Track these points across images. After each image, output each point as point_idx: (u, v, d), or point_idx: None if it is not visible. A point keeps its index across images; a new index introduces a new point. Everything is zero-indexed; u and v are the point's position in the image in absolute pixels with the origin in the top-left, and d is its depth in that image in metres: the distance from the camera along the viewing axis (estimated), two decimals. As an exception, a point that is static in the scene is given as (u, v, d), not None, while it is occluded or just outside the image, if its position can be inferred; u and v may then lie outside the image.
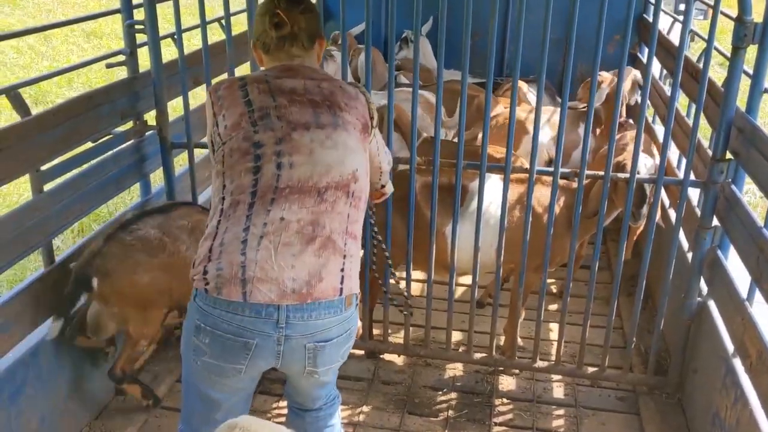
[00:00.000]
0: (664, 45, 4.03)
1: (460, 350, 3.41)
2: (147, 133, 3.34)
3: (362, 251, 2.48)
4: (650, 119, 4.50)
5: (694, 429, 2.94)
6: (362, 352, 3.48)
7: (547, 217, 2.98)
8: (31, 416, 2.62)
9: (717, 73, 6.25)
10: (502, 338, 3.46)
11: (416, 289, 3.98)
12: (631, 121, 4.33)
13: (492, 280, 2.92)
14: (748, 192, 5.19)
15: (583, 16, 2.69)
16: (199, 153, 3.48)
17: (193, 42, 6.09)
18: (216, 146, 2.00)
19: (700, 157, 2.97)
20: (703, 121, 2.85)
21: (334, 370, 2.08)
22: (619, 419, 3.09)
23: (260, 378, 2.11)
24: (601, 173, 2.89)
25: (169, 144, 3.26)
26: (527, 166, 2.97)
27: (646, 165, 3.07)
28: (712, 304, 2.93)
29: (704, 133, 3.79)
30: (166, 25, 3.42)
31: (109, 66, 3.25)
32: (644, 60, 4.83)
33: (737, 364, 2.58)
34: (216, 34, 3.71)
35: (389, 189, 2.56)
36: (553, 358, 3.28)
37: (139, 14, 3.19)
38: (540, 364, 3.27)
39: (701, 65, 2.78)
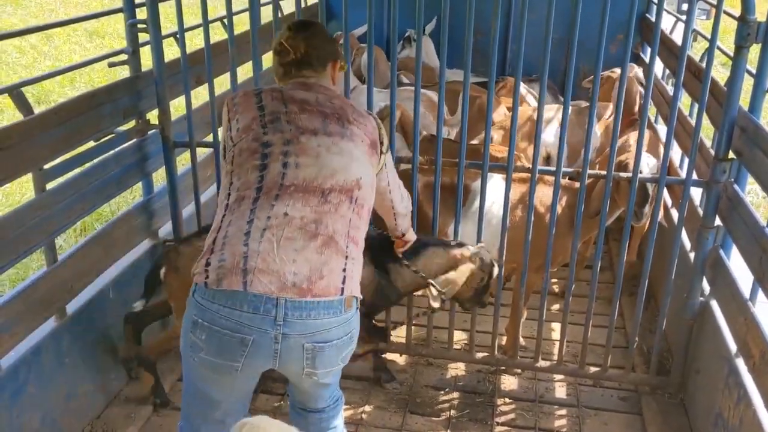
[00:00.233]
0: (666, 44, 4.02)
1: (462, 350, 3.41)
2: (149, 132, 3.34)
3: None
4: (653, 119, 4.49)
5: (697, 429, 2.93)
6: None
7: (549, 216, 2.97)
8: (32, 415, 2.62)
9: (719, 73, 6.24)
10: (504, 338, 3.46)
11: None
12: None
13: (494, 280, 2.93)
14: (751, 192, 5.18)
15: (586, 16, 2.69)
16: (202, 152, 3.48)
17: (195, 41, 6.10)
18: (227, 149, 2.06)
19: (702, 156, 2.96)
20: (705, 121, 2.85)
21: (334, 372, 2.08)
22: (621, 419, 3.09)
23: (260, 378, 2.11)
24: (603, 173, 2.89)
25: (171, 143, 3.26)
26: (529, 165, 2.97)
27: (649, 164, 3.07)
28: (714, 304, 2.92)
29: (707, 133, 3.78)
30: (168, 25, 3.41)
31: (111, 65, 3.25)
32: (647, 60, 4.82)
33: (740, 364, 2.57)
34: (218, 34, 3.70)
35: (411, 237, 2.64)
36: (555, 357, 3.27)
37: (141, 13, 3.19)
38: (542, 363, 3.26)
39: (704, 65, 2.78)
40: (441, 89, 2.87)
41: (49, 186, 2.72)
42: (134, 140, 3.27)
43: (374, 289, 2.80)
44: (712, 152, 2.81)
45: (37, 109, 2.66)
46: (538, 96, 4.42)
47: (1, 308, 2.45)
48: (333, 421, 2.23)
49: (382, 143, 2.18)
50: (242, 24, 4.83)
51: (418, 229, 3.07)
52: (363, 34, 5.48)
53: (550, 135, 4.09)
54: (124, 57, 3.25)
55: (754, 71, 2.64)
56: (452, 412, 3.12)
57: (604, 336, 3.18)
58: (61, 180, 2.82)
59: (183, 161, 4.24)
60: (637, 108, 4.02)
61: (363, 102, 3.09)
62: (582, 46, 2.84)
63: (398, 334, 3.52)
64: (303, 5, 3.03)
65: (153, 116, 3.33)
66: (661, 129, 4.03)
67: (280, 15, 4.18)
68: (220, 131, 2.18)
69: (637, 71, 4.25)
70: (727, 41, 2.86)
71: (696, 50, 5.31)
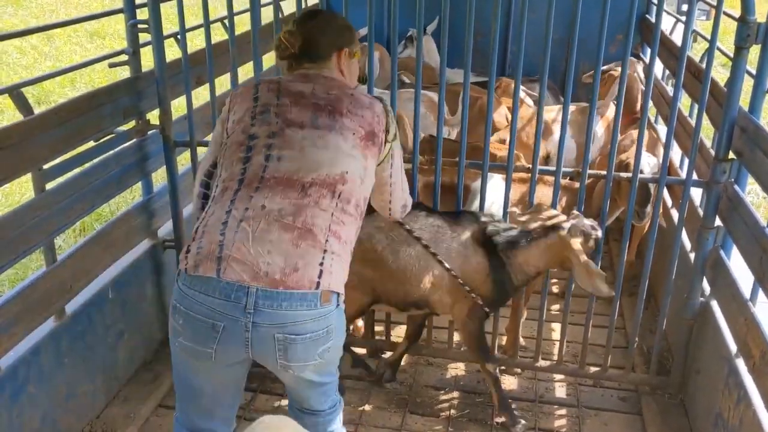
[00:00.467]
0: (666, 45, 4.02)
1: (462, 349, 3.41)
2: (149, 132, 3.34)
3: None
4: (653, 119, 4.49)
5: (697, 429, 2.93)
6: (364, 351, 3.48)
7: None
8: (32, 415, 2.63)
9: (719, 74, 6.24)
10: (504, 338, 3.46)
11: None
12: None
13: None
14: (751, 192, 5.19)
15: (586, 16, 2.69)
16: (202, 152, 3.47)
17: (196, 42, 6.10)
18: (223, 141, 2.11)
19: (702, 157, 2.96)
20: (705, 121, 2.85)
21: (316, 369, 2.02)
22: (621, 419, 3.08)
23: (260, 378, 2.10)
24: (603, 173, 2.89)
25: (171, 143, 3.26)
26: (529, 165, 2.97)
27: (650, 164, 3.07)
28: (714, 305, 2.92)
29: (707, 133, 3.78)
30: (168, 25, 3.42)
31: (112, 65, 3.25)
32: (647, 60, 4.82)
33: (740, 364, 2.57)
34: (219, 34, 3.71)
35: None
36: (555, 357, 3.27)
37: (142, 14, 3.19)
38: (542, 363, 3.26)
39: (704, 65, 2.78)
40: (441, 89, 2.87)
41: (49, 186, 2.72)
42: (134, 140, 3.28)
43: (491, 283, 2.76)
44: (712, 152, 2.81)
45: (38, 110, 2.66)
46: (535, 98, 4.45)
47: (0, 308, 2.44)
48: (329, 426, 2.21)
49: (387, 131, 2.14)
50: (243, 24, 4.83)
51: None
52: (365, 35, 5.48)
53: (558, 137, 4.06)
54: (124, 57, 3.26)
55: (754, 72, 2.64)
56: (452, 411, 3.12)
57: (604, 336, 3.18)
58: (60, 180, 2.82)
59: (183, 161, 4.24)
60: (638, 106, 4.01)
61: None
62: (582, 46, 2.85)
63: (398, 334, 3.52)
64: (303, 5, 3.03)
65: (153, 116, 3.33)
66: (661, 129, 4.03)
67: (280, 15, 4.18)
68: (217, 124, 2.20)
69: (638, 68, 4.25)
70: (727, 42, 2.86)
71: (696, 51, 5.31)
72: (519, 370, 3.38)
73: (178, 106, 3.38)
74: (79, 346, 2.91)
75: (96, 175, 2.99)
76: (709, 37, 2.69)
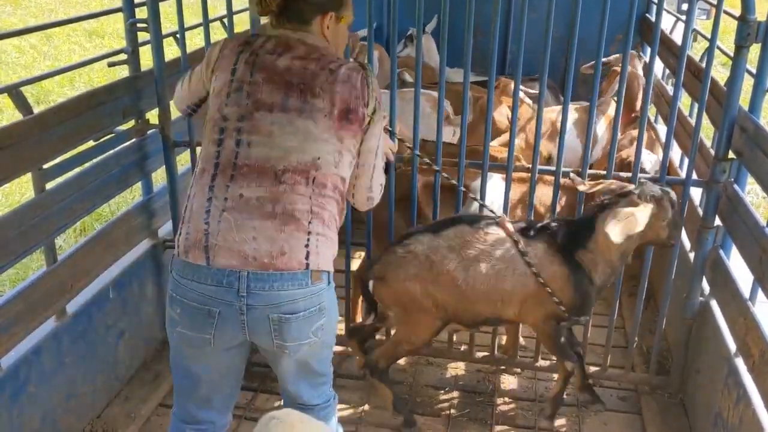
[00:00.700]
0: (666, 44, 4.02)
1: (462, 349, 3.41)
2: (149, 132, 3.34)
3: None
4: (653, 119, 4.49)
5: (696, 429, 2.93)
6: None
7: (549, 216, 2.97)
8: (32, 415, 2.63)
9: (719, 73, 6.24)
10: (504, 337, 3.46)
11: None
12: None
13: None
14: (751, 192, 5.18)
15: (586, 16, 2.69)
16: (201, 152, 3.47)
17: (195, 41, 6.09)
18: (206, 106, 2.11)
19: (702, 156, 2.96)
20: (705, 121, 2.85)
21: (310, 350, 2.04)
22: (621, 419, 3.09)
23: (244, 357, 2.14)
24: (603, 172, 2.89)
25: (171, 142, 3.26)
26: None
27: (650, 161, 3.07)
28: (714, 304, 2.92)
29: (707, 133, 3.78)
30: (168, 24, 3.41)
31: (111, 65, 3.24)
32: (647, 59, 4.82)
33: (740, 364, 2.57)
34: (218, 33, 3.69)
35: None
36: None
37: (141, 13, 3.19)
38: (542, 363, 3.26)
39: (704, 65, 2.78)
40: (441, 89, 2.87)
41: (49, 186, 2.72)
42: (134, 140, 3.27)
43: (572, 288, 2.68)
44: (712, 152, 2.81)
45: (37, 109, 2.65)
46: (533, 97, 4.45)
47: (1, 308, 2.44)
48: (326, 422, 2.22)
49: (367, 105, 2.01)
50: (242, 23, 4.83)
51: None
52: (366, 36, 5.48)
53: (570, 138, 4.04)
54: (123, 57, 3.25)
55: (754, 71, 2.64)
56: (452, 411, 3.13)
57: (604, 336, 3.18)
58: (60, 180, 2.82)
59: (183, 161, 4.24)
60: (639, 104, 4.01)
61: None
62: (582, 45, 2.85)
63: (398, 334, 3.52)
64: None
65: (153, 116, 3.33)
66: (661, 129, 4.03)
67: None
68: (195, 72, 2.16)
69: (638, 65, 4.24)
70: (727, 41, 2.86)
71: (696, 50, 5.31)
72: (519, 370, 3.38)
73: (178, 106, 3.36)
74: (80, 346, 2.90)
75: (96, 175, 2.99)
76: (709, 36, 2.69)
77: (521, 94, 4.43)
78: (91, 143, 2.99)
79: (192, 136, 3.20)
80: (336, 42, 2.11)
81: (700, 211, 2.95)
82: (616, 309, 3.08)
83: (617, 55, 4.39)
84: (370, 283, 2.86)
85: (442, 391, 3.26)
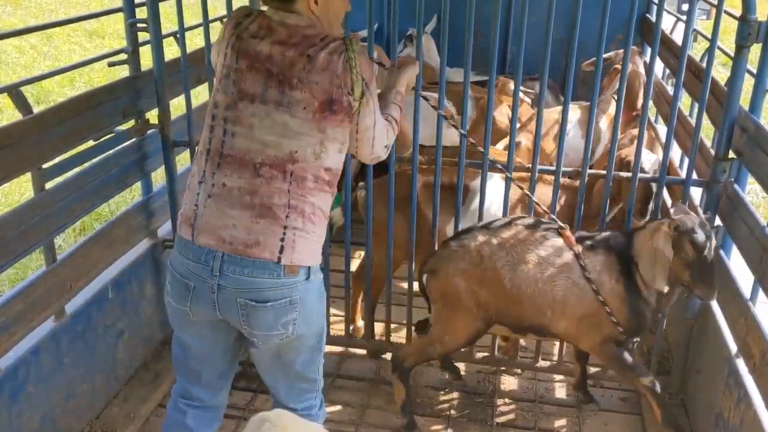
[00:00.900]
0: (666, 44, 4.02)
1: (462, 350, 3.40)
2: (148, 132, 3.33)
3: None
4: (653, 119, 4.48)
5: (697, 430, 2.93)
6: (364, 351, 3.48)
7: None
8: (31, 415, 2.62)
9: (720, 74, 6.24)
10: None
11: (418, 288, 3.97)
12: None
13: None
14: (751, 192, 5.18)
15: (586, 15, 2.68)
16: (201, 152, 3.47)
17: (195, 41, 6.09)
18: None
19: (702, 156, 2.96)
20: (705, 121, 2.85)
21: (285, 345, 2.05)
22: (621, 420, 3.08)
23: (230, 339, 2.16)
24: (603, 172, 2.88)
25: (170, 142, 3.26)
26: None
27: (650, 160, 3.07)
28: (714, 305, 2.91)
29: (707, 133, 3.78)
30: (168, 24, 3.41)
31: (111, 64, 3.24)
32: (647, 60, 4.82)
33: (740, 364, 2.57)
34: (218, 33, 3.70)
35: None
36: (555, 357, 3.27)
37: (141, 13, 3.19)
38: (542, 363, 3.26)
39: (704, 65, 2.78)
40: (441, 89, 2.87)
41: (48, 185, 2.71)
42: (134, 140, 3.27)
43: (628, 308, 2.58)
44: (712, 152, 2.81)
45: (37, 109, 2.65)
46: (533, 96, 4.44)
47: (0, 308, 2.44)
48: None
49: (351, 91, 1.93)
50: (242, 24, 4.82)
51: (418, 228, 3.06)
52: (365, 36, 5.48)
53: (574, 138, 4.03)
54: (123, 56, 3.25)
55: (754, 71, 2.64)
56: (452, 412, 3.12)
57: (604, 336, 3.17)
58: (60, 179, 2.81)
59: (182, 161, 4.24)
60: (639, 102, 4.00)
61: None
62: (582, 45, 2.84)
63: (398, 334, 3.52)
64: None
65: (152, 116, 3.33)
66: (662, 128, 4.02)
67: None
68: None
69: (638, 62, 4.23)
70: (727, 41, 2.86)
71: (696, 50, 5.31)
72: (519, 371, 3.37)
73: (177, 106, 3.37)
74: (79, 346, 2.90)
75: (95, 175, 2.99)
76: (709, 36, 2.69)
77: (521, 94, 4.44)
78: (90, 143, 2.99)
79: (191, 136, 3.19)
80: (328, 18, 2.02)
81: (701, 211, 2.94)
82: (617, 309, 3.06)
83: (618, 51, 4.38)
84: (425, 276, 2.84)
85: (442, 392, 3.25)
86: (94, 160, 3.02)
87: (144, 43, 3.24)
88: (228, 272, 1.95)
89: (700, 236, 2.43)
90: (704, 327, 2.99)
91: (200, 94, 5.70)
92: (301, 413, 2.18)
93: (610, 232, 2.72)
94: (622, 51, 3.44)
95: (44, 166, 2.66)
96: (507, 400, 3.20)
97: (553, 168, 2.91)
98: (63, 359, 2.80)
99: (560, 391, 3.28)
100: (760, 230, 2.46)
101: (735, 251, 2.76)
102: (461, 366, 3.42)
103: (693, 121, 2.97)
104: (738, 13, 2.57)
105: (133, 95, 3.19)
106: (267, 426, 1.43)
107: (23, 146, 2.50)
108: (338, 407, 3.12)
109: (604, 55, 2.76)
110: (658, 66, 4.39)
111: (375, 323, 3.44)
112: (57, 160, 2.78)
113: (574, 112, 4.22)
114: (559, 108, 4.25)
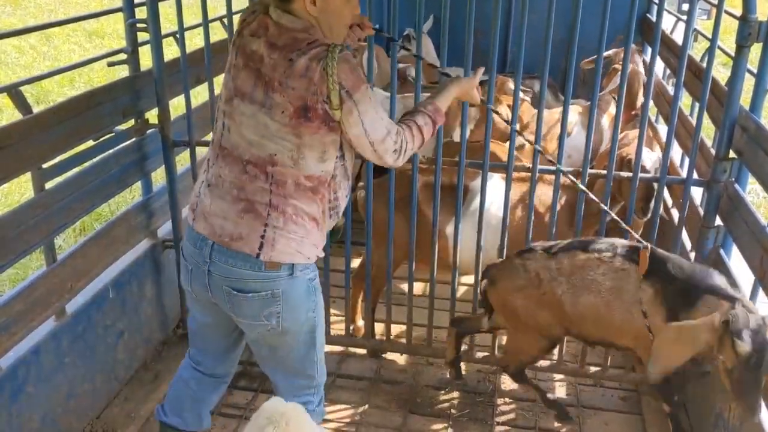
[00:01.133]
0: (667, 44, 4.02)
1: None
2: (148, 132, 3.33)
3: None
4: (653, 119, 4.48)
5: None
6: (364, 351, 3.48)
7: (549, 216, 2.97)
8: (32, 415, 2.62)
9: (720, 74, 6.24)
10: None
11: (418, 288, 3.97)
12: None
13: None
14: (752, 191, 5.18)
15: (586, 15, 2.68)
16: (201, 151, 3.47)
17: (194, 41, 6.09)
18: None
19: (703, 156, 2.96)
20: (706, 120, 2.85)
21: (271, 335, 2.13)
22: (622, 419, 3.08)
23: (229, 323, 2.25)
24: (604, 172, 2.88)
25: (170, 142, 3.26)
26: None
27: (651, 159, 3.07)
28: (715, 304, 2.91)
29: (707, 132, 3.78)
30: (167, 24, 3.41)
31: (110, 64, 3.24)
32: (647, 60, 4.82)
33: (741, 364, 2.56)
34: (218, 34, 3.69)
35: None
36: (555, 357, 3.26)
37: (141, 13, 3.19)
38: (542, 363, 3.25)
39: (705, 64, 2.78)
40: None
41: (48, 185, 2.71)
42: (133, 139, 3.27)
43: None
44: (713, 152, 2.81)
45: (36, 109, 2.65)
46: (531, 95, 4.44)
47: (0, 308, 2.44)
48: None
49: (328, 100, 1.87)
50: (242, 23, 4.82)
51: (418, 227, 3.06)
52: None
53: (577, 138, 4.03)
54: (123, 56, 3.25)
55: (755, 71, 2.64)
56: (452, 411, 3.12)
57: (605, 336, 3.17)
58: (60, 179, 2.81)
59: (182, 161, 4.24)
60: (639, 103, 4.00)
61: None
62: (582, 45, 2.84)
63: (398, 334, 3.52)
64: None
65: (152, 115, 3.33)
66: (662, 128, 4.02)
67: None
68: None
69: (638, 60, 4.22)
70: (728, 41, 2.86)
71: (697, 50, 5.31)
72: (519, 370, 3.37)
73: (177, 106, 3.37)
74: (80, 346, 2.90)
75: (95, 175, 2.98)
76: (710, 36, 2.69)
77: (521, 94, 4.43)
78: (90, 143, 2.98)
79: (191, 136, 3.19)
80: (328, 21, 1.96)
81: (701, 211, 2.94)
82: (617, 309, 3.06)
83: (618, 49, 4.37)
84: (483, 282, 2.90)
85: (443, 392, 3.25)
86: (94, 160, 3.02)
87: (144, 43, 3.24)
88: (216, 260, 2.06)
89: (745, 345, 2.00)
90: (704, 327, 2.98)
91: (200, 94, 5.70)
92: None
93: (699, 268, 2.43)
94: (621, 49, 3.47)
95: (44, 166, 2.66)
96: (507, 399, 3.20)
97: (553, 168, 2.91)
98: (63, 359, 2.80)
99: (560, 391, 3.28)
100: (761, 230, 2.45)
101: (735, 251, 2.76)
102: (461, 366, 3.41)
103: (693, 121, 2.97)
104: (738, 12, 2.57)
105: (133, 95, 3.19)
106: (270, 430, 1.43)
107: (23, 146, 2.50)
108: (338, 407, 3.12)
109: (604, 54, 2.75)
110: (659, 66, 4.39)
111: (375, 323, 3.44)
112: (57, 159, 2.78)
113: (578, 113, 4.21)
114: (560, 109, 4.26)
